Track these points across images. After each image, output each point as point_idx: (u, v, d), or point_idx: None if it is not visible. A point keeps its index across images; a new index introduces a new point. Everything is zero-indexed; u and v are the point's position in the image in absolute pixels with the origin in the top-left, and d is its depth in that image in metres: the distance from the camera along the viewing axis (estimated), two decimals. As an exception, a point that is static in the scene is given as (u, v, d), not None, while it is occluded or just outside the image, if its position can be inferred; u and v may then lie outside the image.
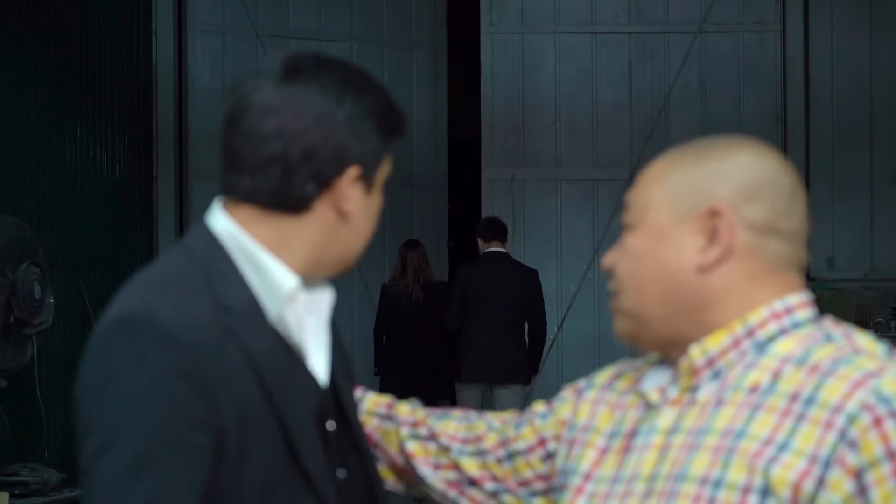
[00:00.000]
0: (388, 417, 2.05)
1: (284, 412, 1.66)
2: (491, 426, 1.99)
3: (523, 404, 8.13)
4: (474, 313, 7.91)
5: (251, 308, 1.68)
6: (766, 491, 1.54)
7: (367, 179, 1.74)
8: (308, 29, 9.83)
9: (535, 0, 9.98)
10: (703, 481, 1.58)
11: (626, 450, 1.72)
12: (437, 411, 2.06)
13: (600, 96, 9.98)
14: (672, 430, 1.66)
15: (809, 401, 1.57)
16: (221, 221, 1.73)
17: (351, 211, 1.73)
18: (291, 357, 1.72)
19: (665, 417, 1.68)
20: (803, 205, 1.72)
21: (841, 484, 1.52)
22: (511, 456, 1.94)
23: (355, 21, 10.06)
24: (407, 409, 2.06)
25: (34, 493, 6.31)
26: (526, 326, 8.15)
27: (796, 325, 1.67)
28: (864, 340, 1.65)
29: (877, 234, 9.84)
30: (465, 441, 1.99)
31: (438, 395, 8.41)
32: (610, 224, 9.44)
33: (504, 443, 1.96)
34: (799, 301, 1.69)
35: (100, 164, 8.38)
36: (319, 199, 1.71)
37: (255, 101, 1.69)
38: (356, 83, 1.73)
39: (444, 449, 1.99)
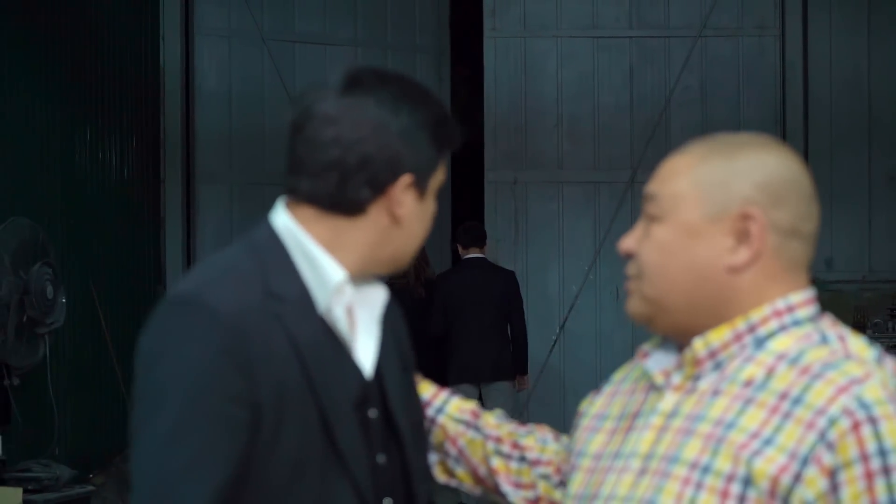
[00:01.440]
0: (475, 427, 2.15)
1: (322, 396, 1.78)
2: (556, 451, 2.09)
3: (513, 402, 8.26)
4: (457, 318, 8.10)
5: (301, 298, 1.81)
6: (748, 480, 1.64)
7: (419, 187, 1.86)
8: (313, 33, 9.91)
9: (538, 5, 10.05)
10: (694, 466, 1.69)
11: (628, 429, 1.83)
12: (523, 428, 2.16)
13: (602, 100, 10.04)
14: (671, 414, 1.76)
15: (797, 401, 1.66)
16: (282, 218, 1.86)
17: (403, 216, 1.85)
18: (337, 346, 1.84)
19: (667, 401, 1.78)
20: (818, 206, 1.80)
21: (815, 481, 1.62)
22: (564, 479, 2.04)
23: (359, 25, 10.14)
24: (493, 422, 2.16)
25: (47, 488, 6.40)
26: (510, 329, 8.31)
27: (796, 323, 1.75)
28: (857, 345, 1.74)
29: (875, 235, 9.92)
30: (537, 463, 2.10)
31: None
32: (611, 226, 9.53)
33: (559, 468, 2.07)
34: (801, 299, 1.77)
35: (108, 167, 8.47)
36: (374, 203, 1.83)
37: (317, 111, 1.82)
38: (412, 96, 1.85)
39: (530, 466, 2.10)
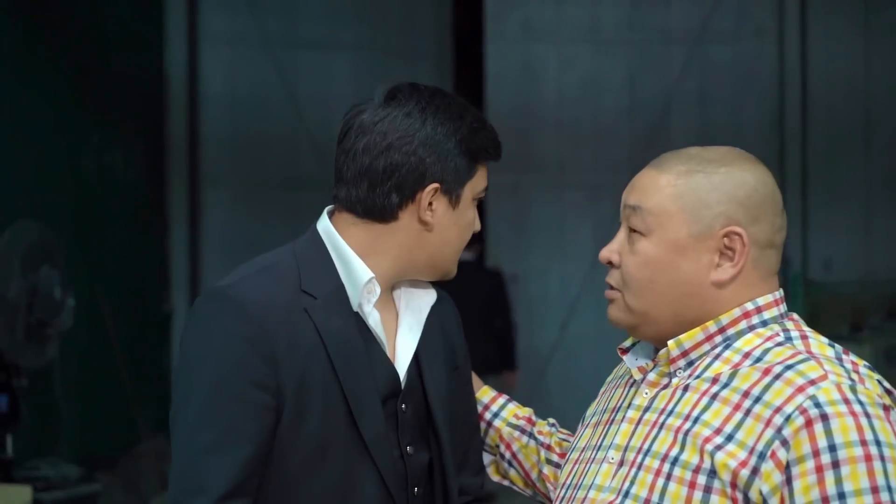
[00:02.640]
0: (529, 434, 2.26)
1: (347, 385, 1.91)
2: None
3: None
4: None
5: (334, 295, 1.94)
6: (712, 472, 1.76)
7: (450, 194, 1.98)
8: (316, 38, 9.99)
9: (539, 10, 10.13)
10: (664, 458, 1.81)
11: (609, 422, 1.96)
12: (573, 437, 2.25)
13: (602, 104, 10.12)
14: (646, 408, 1.88)
15: (757, 399, 1.78)
16: (324, 224, 2.00)
17: (433, 222, 1.97)
18: (370, 342, 1.97)
19: (642, 396, 1.90)
20: (785, 215, 1.92)
21: (771, 475, 1.73)
22: None
23: (362, 30, 10.22)
24: (546, 430, 2.27)
25: (55, 487, 6.47)
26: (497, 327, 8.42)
27: (764, 324, 1.87)
28: (818, 345, 1.85)
29: (873, 237, 9.98)
30: None
31: None
32: (611, 228, 9.58)
33: None
34: (769, 300, 1.89)
35: (115, 171, 8.55)
36: (405, 210, 1.96)
37: (355, 123, 1.96)
38: (442, 108, 1.97)
39: None
